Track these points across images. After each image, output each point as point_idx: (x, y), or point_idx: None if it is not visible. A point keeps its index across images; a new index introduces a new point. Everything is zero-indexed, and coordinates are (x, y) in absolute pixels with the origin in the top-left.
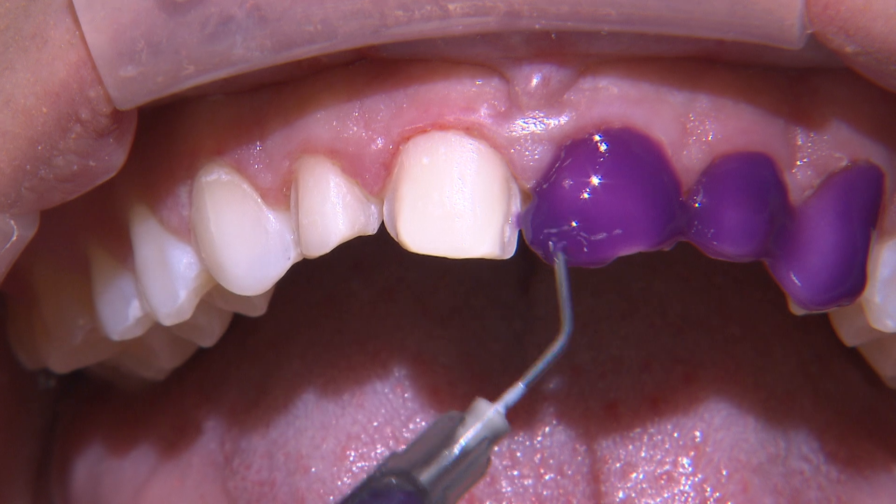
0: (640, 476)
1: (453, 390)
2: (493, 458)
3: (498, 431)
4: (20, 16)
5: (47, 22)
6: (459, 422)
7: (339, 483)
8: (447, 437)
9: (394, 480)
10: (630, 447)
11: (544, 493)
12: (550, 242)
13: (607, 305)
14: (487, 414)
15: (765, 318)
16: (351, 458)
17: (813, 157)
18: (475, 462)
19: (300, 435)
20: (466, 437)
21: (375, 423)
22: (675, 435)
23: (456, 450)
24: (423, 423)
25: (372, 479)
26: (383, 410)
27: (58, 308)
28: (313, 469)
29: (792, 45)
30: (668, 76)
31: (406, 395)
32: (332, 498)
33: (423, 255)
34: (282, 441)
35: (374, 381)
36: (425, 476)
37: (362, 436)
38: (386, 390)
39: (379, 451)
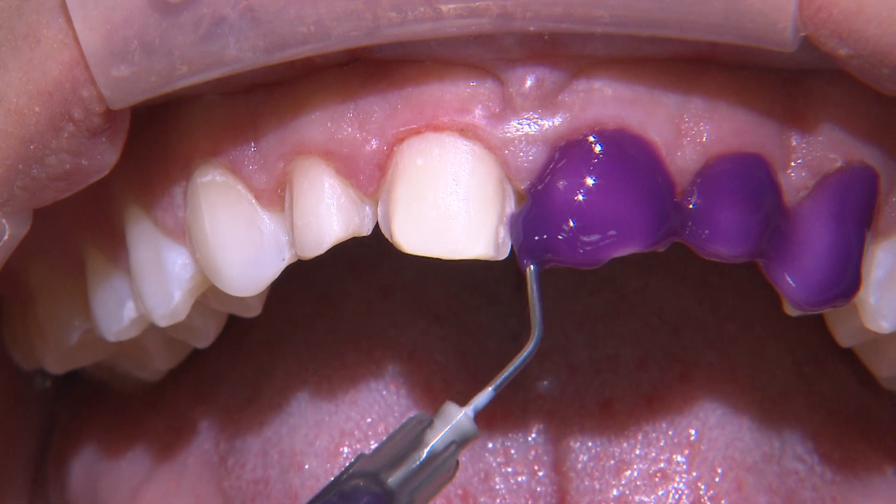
0: (635, 474)
1: (447, 388)
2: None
3: (466, 435)
4: (13, 15)
5: (40, 21)
6: (428, 425)
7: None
8: (415, 440)
9: (361, 482)
10: (625, 445)
11: (538, 489)
12: (524, 260)
13: (603, 304)
14: (456, 417)
15: (760, 318)
16: (345, 455)
17: (807, 158)
18: (443, 465)
19: (294, 433)
20: (434, 440)
21: (369, 420)
22: (671, 433)
23: (424, 453)
24: None
25: (339, 481)
26: (377, 408)
27: (53, 309)
28: (307, 466)
29: (785, 48)
30: (662, 77)
31: (400, 392)
32: None
33: (417, 255)
34: (275, 439)
35: (368, 378)
36: (393, 478)
37: (356, 432)
38: (380, 388)
39: (372, 447)
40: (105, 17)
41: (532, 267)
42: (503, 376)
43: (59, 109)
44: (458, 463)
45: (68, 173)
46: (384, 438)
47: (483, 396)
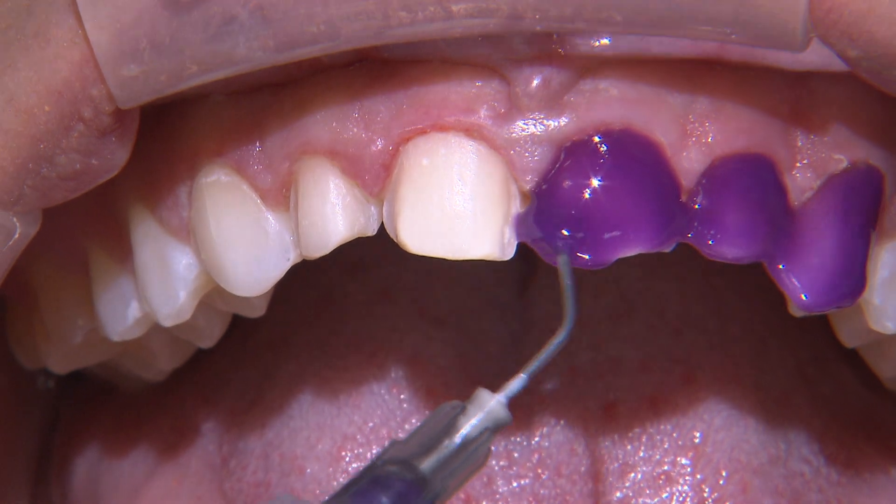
0: (639, 476)
1: (449, 391)
2: (489, 458)
3: (499, 422)
4: (22, 14)
5: (49, 20)
6: (461, 411)
7: (335, 483)
8: (448, 427)
9: (394, 468)
10: (628, 447)
11: (541, 492)
12: (559, 242)
13: (606, 306)
14: (489, 404)
15: (762, 319)
16: (346, 459)
17: (813, 158)
18: (476, 452)
19: (295, 435)
20: (467, 426)
21: (371, 424)
22: (675, 435)
23: (457, 439)
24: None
25: (372, 467)
26: (379, 411)
27: (57, 309)
28: (308, 470)
29: (795, 49)
30: (667, 78)
31: (402, 396)
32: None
33: (421, 256)
34: (277, 442)
35: (371, 381)
36: (425, 465)
37: (358, 436)
38: (382, 391)
39: (374, 451)
40: (115, 15)
41: (565, 255)
42: (536, 363)
43: (68, 109)
44: (490, 450)
45: (78, 173)
46: (417, 425)
47: (516, 383)
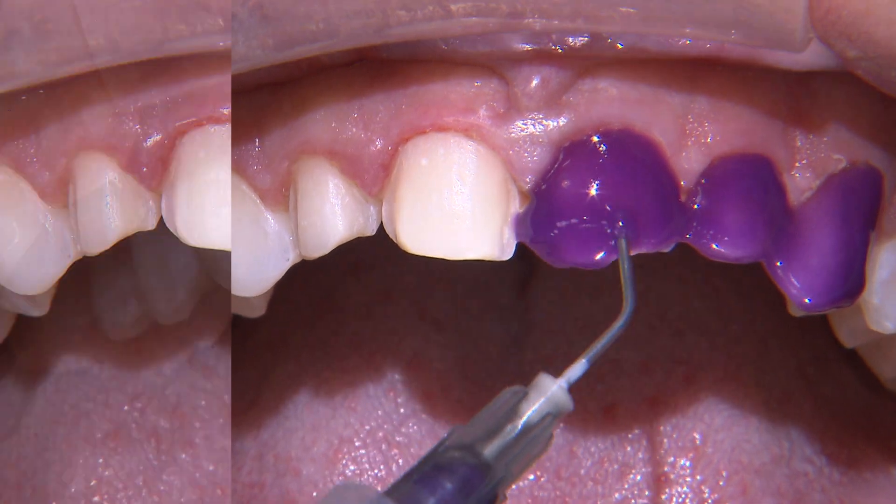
0: (638, 478)
1: (447, 394)
2: (551, 444)
3: (561, 407)
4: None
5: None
6: (523, 397)
7: (331, 486)
8: (510, 412)
9: (457, 454)
10: (628, 448)
11: (540, 494)
12: (615, 230)
13: (605, 308)
14: (550, 389)
15: (763, 319)
16: (343, 462)
17: (812, 158)
18: (538, 437)
19: (290, 436)
20: (529, 411)
21: (367, 427)
22: (675, 436)
23: (519, 424)
24: (416, 428)
25: (435, 453)
26: (376, 414)
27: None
28: (304, 471)
29: (794, 50)
30: (667, 77)
31: (399, 398)
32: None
33: (420, 258)
34: (272, 443)
35: (368, 384)
36: (488, 450)
37: (354, 439)
38: (379, 394)
39: (371, 454)
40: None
41: (624, 238)
42: (596, 348)
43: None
44: (552, 435)
45: None
46: (479, 411)
47: (577, 368)
